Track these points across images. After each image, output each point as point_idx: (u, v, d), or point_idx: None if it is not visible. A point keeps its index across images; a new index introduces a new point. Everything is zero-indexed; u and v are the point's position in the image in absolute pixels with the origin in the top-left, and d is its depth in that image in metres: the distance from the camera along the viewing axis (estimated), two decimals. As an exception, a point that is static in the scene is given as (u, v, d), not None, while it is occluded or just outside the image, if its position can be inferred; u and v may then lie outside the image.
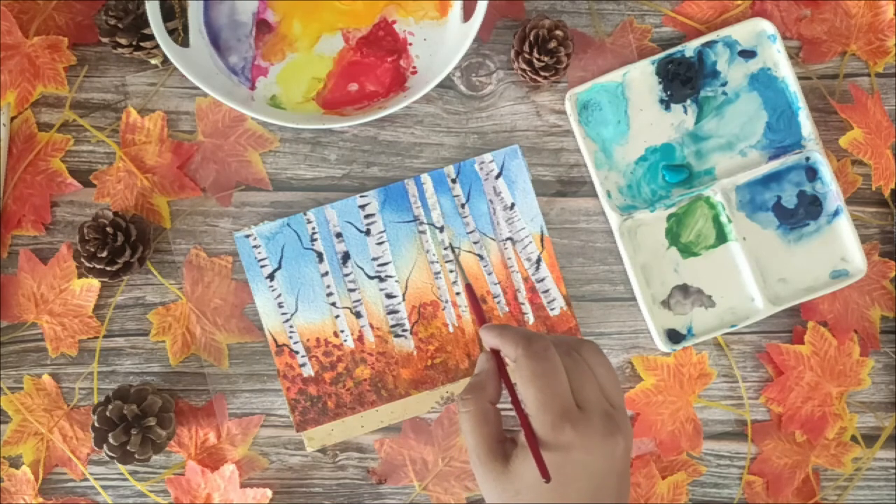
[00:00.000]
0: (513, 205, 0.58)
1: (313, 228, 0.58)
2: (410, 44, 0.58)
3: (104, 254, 0.54)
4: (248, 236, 0.57)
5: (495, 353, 0.45)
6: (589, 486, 0.40)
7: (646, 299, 0.57)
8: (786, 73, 0.58)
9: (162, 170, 0.58)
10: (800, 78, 0.59)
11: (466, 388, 0.43)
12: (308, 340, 0.57)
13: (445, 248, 0.56)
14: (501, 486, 0.40)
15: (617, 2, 0.60)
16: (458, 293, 0.58)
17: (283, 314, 0.57)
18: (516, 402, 0.42)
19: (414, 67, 0.58)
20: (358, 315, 0.58)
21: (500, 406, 0.43)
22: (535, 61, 0.55)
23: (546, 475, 0.38)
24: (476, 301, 0.49)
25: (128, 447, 0.53)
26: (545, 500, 0.39)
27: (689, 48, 0.58)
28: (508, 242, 0.58)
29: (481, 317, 0.48)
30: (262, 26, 0.58)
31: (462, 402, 0.43)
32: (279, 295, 0.57)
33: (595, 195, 0.59)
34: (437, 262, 0.58)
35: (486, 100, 0.59)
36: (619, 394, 0.42)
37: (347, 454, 0.58)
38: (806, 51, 0.60)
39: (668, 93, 0.58)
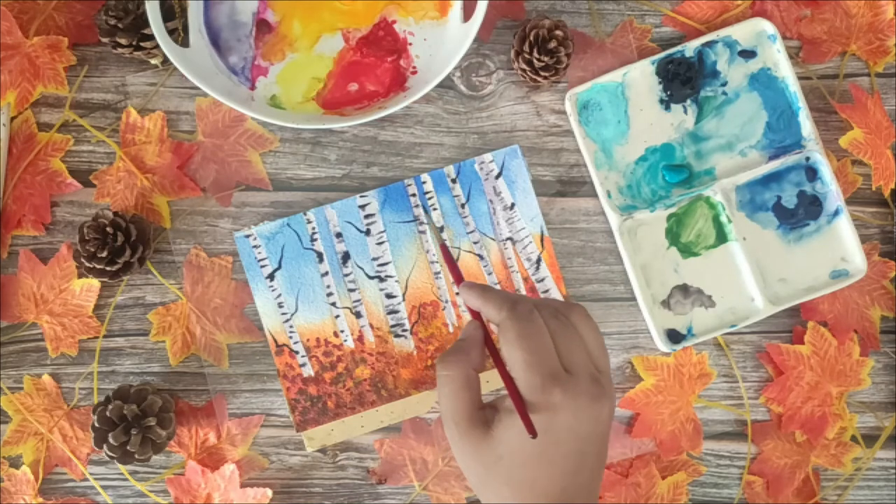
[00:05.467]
0: (513, 205, 0.58)
1: (313, 228, 0.58)
2: (410, 44, 0.58)
3: (104, 254, 0.54)
4: (248, 236, 0.57)
5: (477, 316, 0.43)
6: (574, 448, 0.39)
7: (646, 299, 0.57)
8: (786, 73, 0.58)
9: (162, 170, 0.58)
10: (800, 78, 0.59)
11: (449, 351, 0.41)
12: (308, 340, 0.57)
13: (428, 223, 0.56)
14: (481, 453, 0.39)
15: (617, 2, 0.60)
16: (458, 293, 0.58)
17: (283, 314, 0.57)
18: (501, 365, 0.40)
19: (414, 67, 0.58)
20: (358, 315, 0.58)
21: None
22: (535, 61, 0.55)
23: (532, 431, 0.37)
24: (452, 260, 0.47)
25: (128, 447, 0.53)
26: (529, 463, 0.39)
27: (689, 48, 0.58)
28: (508, 242, 0.58)
29: (458, 275, 0.46)
30: (262, 26, 0.58)
31: (443, 364, 0.41)
32: (279, 295, 0.57)
33: (595, 195, 0.59)
34: (437, 262, 0.58)
35: (486, 100, 0.59)
36: (605, 358, 0.41)
37: (347, 454, 0.58)
38: (806, 51, 0.60)
39: (668, 93, 0.58)
